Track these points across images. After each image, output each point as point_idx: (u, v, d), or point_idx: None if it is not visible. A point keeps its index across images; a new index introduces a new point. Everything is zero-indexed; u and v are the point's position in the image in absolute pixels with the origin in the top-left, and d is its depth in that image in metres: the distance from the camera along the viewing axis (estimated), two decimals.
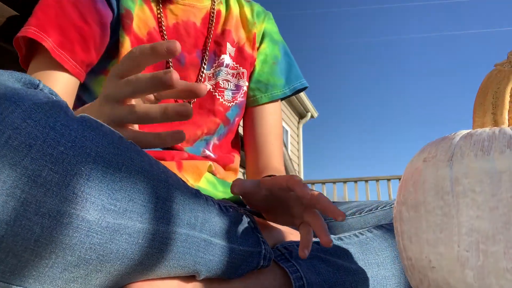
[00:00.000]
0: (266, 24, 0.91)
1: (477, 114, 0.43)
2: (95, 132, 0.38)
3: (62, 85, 0.66)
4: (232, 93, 0.83)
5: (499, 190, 0.33)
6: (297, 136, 8.57)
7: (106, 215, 0.36)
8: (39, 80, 0.40)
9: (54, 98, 0.38)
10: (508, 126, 0.40)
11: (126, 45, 0.72)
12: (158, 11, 0.75)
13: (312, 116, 8.87)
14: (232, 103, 0.84)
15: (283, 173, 0.88)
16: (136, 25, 0.73)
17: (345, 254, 0.58)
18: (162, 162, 0.68)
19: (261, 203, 0.58)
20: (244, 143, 0.92)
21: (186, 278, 0.47)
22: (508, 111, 0.41)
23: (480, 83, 0.44)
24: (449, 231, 0.35)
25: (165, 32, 0.75)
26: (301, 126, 8.68)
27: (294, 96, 7.84)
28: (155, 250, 0.40)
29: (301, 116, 8.69)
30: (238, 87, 0.84)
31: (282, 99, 0.92)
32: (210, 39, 0.80)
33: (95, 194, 0.36)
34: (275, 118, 0.91)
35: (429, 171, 0.38)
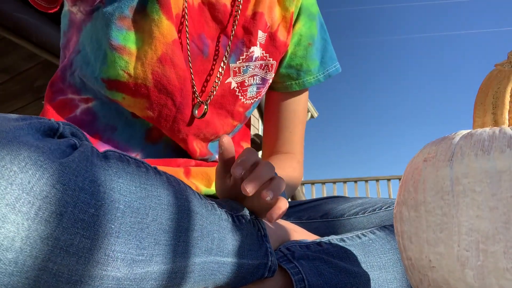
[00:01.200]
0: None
1: (477, 114, 0.43)
2: (122, 178, 0.37)
3: None
4: (257, 88, 0.74)
5: (499, 189, 0.33)
6: None
7: (135, 267, 0.36)
8: (57, 123, 0.38)
9: (78, 146, 0.37)
10: (508, 126, 0.40)
11: (164, 28, 0.60)
12: None
13: (312, 116, 8.86)
14: (255, 99, 0.75)
15: (299, 158, 0.84)
16: (172, 2, 0.62)
17: (347, 256, 0.58)
18: (169, 168, 0.66)
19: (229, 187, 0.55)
20: (264, 126, 0.86)
21: None
22: (508, 111, 0.41)
23: (481, 83, 0.44)
24: (449, 231, 0.35)
25: (186, 17, 0.63)
26: None
27: None
28: (175, 287, 0.40)
29: None
30: (264, 81, 0.75)
31: None
32: (236, 24, 0.68)
33: (125, 250, 0.35)
34: (302, 104, 0.83)
35: (429, 171, 0.38)
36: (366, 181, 5.51)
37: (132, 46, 0.60)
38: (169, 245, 0.39)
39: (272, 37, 0.74)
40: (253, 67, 0.72)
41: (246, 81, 0.72)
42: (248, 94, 0.74)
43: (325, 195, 5.56)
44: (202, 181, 0.70)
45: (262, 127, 0.96)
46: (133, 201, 0.37)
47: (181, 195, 0.43)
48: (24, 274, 0.30)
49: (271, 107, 0.84)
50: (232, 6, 0.68)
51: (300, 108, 0.83)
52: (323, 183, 5.67)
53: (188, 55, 0.64)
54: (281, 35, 0.75)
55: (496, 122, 0.41)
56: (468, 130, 0.40)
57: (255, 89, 0.74)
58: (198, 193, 0.47)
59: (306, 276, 0.52)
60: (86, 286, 0.33)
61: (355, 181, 5.57)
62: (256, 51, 0.71)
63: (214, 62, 0.67)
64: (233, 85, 0.70)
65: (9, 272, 0.30)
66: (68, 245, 0.32)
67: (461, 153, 0.36)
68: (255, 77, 0.73)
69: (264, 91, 0.77)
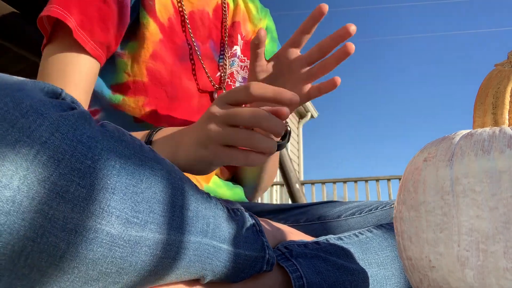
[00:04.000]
0: (268, 21, 0.91)
1: (478, 114, 0.43)
2: (118, 143, 0.38)
3: (82, 68, 0.63)
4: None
5: (499, 189, 0.34)
6: (297, 136, 8.57)
7: (129, 228, 0.36)
8: (61, 89, 0.40)
9: (78, 108, 0.38)
10: (509, 126, 0.40)
11: (152, 29, 0.69)
12: None
13: (312, 116, 8.87)
14: None
15: (275, 163, 0.89)
16: (158, 9, 0.71)
17: (345, 253, 0.58)
18: None
19: (265, 69, 0.65)
20: None
21: (189, 282, 0.47)
22: (509, 111, 0.41)
23: (481, 83, 0.44)
24: (449, 230, 0.35)
25: (187, 21, 0.73)
26: (301, 126, 8.68)
27: None
28: (169, 260, 0.41)
29: (301, 116, 8.70)
30: (245, 80, 0.84)
31: None
32: (226, 28, 0.80)
33: (120, 208, 0.36)
34: None
35: (429, 171, 0.38)
36: (366, 181, 5.51)
37: (130, 51, 0.70)
38: (164, 216, 0.40)
39: (247, 43, 0.86)
40: (237, 64, 0.82)
41: (234, 73, 0.82)
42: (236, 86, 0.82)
43: (325, 195, 5.57)
44: (200, 176, 0.73)
45: None
46: (128, 165, 0.38)
47: (175, 175, 0.43)
48: (20, 215, 0.31)
49: None
50: (214, 15, 0.80)
51: None
52: (323, 183, 5.67)
53: (190, 53, 0.73)
54: None
55: (496, 122, 0.41)
56: (468, 130, 0.40)
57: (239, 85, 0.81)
58: (193, 182, 0.47)
59: (304, 274, 0.53)
60: (81, 237, 0.34)
61: (355, 181, 5.57)
62: (238, 50, 0.83)
63: (206, 61, 0.77)
64: (224, 77, 0.80)
65: (6, 211, 0.31)
66: (64, 191, 0.33)
67: (461, 153, 0.36)
68: (238, 74, 0.83)
69: None
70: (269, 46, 0.90)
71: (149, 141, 0.59)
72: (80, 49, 0.63)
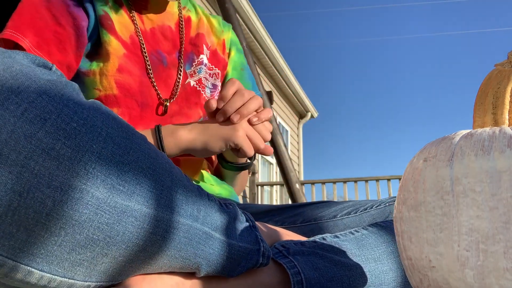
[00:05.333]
0: (231, 34, 0.98)
1: (478, 114, 0.43)
2: (105, 115, 0.39)
3: None
4: (210, 91, 0.89)
5: (499, 189, 0.34)
6: (297, 136, 8.57)
7: (115, 194, 0.37)
8: (52, 64, 0.41)
9: (66, 80, 0.39)
10: (508, 126, 0.40)
11: (114, 44, 0.73)
12: (132, 17, 0.79)
13: (312, 116, 8.87)
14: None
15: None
16: (117, 28, 0.76)
17: (342, 250, 0.59)
18: None
19: None
20: None
21: (186, 275, 0.47)
22: (508, 111, 0.41)
23: (481, 83, 0.44)
24: (449, 230, 0.35)
25: (141, 38, 0.78)
26: (301, 126, 8.68)
27: (294, 96, 7.84)
28: (158, 237, 0.41)
29: (301, 116, 8.70)
30: (214, 86, 0.90)
31: None
32: (184, 42, 0.86)
33: (105, 172, 0.37)
34: None
35: (429, 171, 0.38)
36: (366, 181, 5.51)
37: (96, 68, 0.74)
38: (151, 192, 0.40)
39: (213, 53, 0.92)
40: (204, 71, 0.88)
41: (202, 80, 0.87)
42: (206, 93, 0.87)
43: (325, 195, 5.57)
44: (191, 170, 0.76)
45: None
46: (115, 135, 0.39)
47: (163, 158, 0.44)
48: (7, 167, 0.33)
49: None
50: (176, 28, 0.86)
51: None
52: (323, 183, 5.67)
53: (148, 65, 0.78)
54: (220, 52, 0.94)
55: (496, 122, 0.41)
56: (468, 130, 0.40)
57: (209, 91, 0.89)
58: (182, 172, 0.48)
59: (302, 270, 0.53)
60: (66, 196, 0.35)
61: (355, 181, 5.56)
62: (204, 58, 0.88)
63: (174, 69, 0.82)
64: (192, 83, 0.85)
65: None
66: (49, 148, 0.34)
67: (461, 153, 0.36)
68: (207, 81, 0.88)
69: (216, 95, 0.89)
70: (237, 57, 0.96)
71: (158, 129, 0.66)
72: None
